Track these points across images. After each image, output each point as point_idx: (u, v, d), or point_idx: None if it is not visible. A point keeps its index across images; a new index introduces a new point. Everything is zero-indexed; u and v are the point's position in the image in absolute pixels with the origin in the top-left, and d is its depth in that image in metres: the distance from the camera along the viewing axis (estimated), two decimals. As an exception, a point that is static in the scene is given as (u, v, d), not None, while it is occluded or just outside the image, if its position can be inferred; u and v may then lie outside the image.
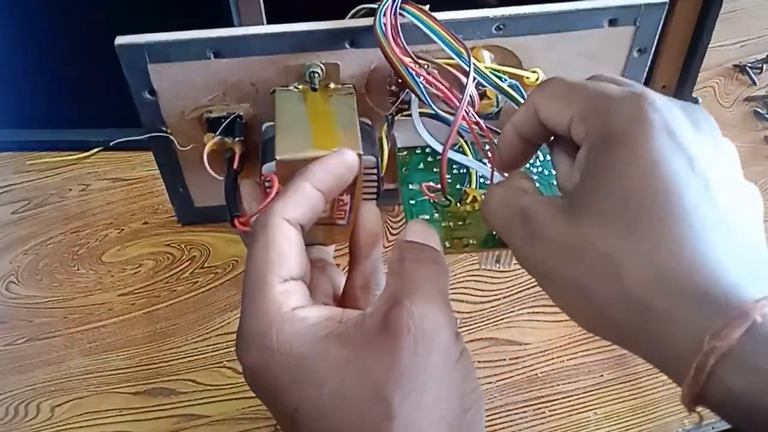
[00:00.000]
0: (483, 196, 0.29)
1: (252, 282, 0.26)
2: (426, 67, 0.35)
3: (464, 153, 0.35)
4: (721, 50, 0.60)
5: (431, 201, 0.34)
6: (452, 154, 0.34)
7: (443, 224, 0.33)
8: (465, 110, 0.32)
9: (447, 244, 0.32)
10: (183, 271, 0.46)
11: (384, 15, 0.33)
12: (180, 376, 0.40)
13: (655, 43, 0.40)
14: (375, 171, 0.34)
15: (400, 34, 0.34)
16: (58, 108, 0.55)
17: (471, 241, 0.32)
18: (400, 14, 0.34)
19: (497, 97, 0.37)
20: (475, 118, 0.33)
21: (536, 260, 0.25)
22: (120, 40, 0.35)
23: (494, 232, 0.32)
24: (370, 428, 0.23)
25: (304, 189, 0.28)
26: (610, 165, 0.23)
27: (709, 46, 0.47)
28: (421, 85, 0.33)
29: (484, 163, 0.34)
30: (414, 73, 0.33)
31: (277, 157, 0.32)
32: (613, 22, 0.39)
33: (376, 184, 0.35)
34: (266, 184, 0.33)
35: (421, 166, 0.36)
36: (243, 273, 0.42)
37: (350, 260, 0.31)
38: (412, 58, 0.33)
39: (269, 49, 0.36)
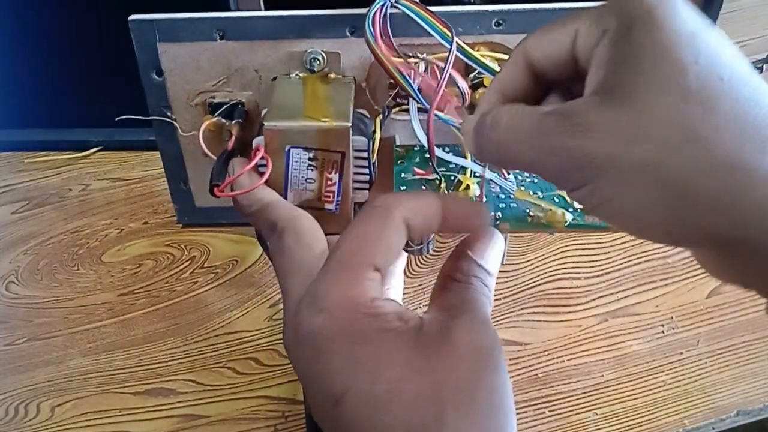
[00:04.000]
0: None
1: (349, 254, 0.26)
2: (418, 64, 0.35)
3: (464, 156, 0.35)
4: (721, 50, 0.60)
5: (422, 183, 0.34)
6: (450, 157, 0.34)
7: None
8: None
9: None
10: (183, 271, 0.46)
11: (373, 23, 0.33)
12: (180, 376, 0.40)
13: None
14: (365, 154, 0.34)
15: (391, 36, 0.34)
16: (58, 108, 0.55)
17: None
18: (394, 6, 0.34)
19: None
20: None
21: (587, 152, 0.21)
22: (133, 16, 0.37)
23: (493, 216, 0.33)
24: (419, 429, 0.24)
25: (432, 205, 0.27)
26: (646, 43, 0.21)
27: (710, 46, 0.47)
28: (414, 86, 0.33)
29: (479, 164, 0.34)
30: (406, 74, 0.33)
31: (265, 124, 0.32)
32: None
33: (367, 171, 0.35)
34: (260, 169, 0.33)
35: (417, 160, 0.36)
36: (243, 273, 0.42)
37: None
38: (403, 58, 0.34)
39: (273, 33, 0.37)
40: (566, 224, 0.33)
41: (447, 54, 0.33)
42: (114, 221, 0.49)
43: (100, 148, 0.55)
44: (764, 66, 0.59)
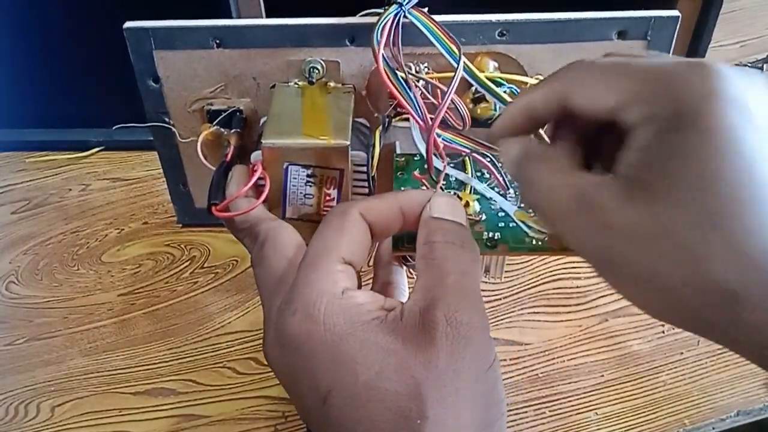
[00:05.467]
0: (523, 179, 0.27)
1: (315, 254, 0.27)
2: (418, 84, 0.35)
3: (465, 168, 0.35)
4: (721, 50, 0.60)
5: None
6: (450, 170, 0.34)
7: None
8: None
9: None
10: (183, 271, 0.46)
11: (382, 33, 0.33)
12: (180, 376, 0.40)
13: None
14: (365, 168, 0.34)
15: (400, 46, 0.34)
16: (58, 108, 0.55)
17: None
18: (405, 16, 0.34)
19: (495, 103, 0.37)
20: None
21: (600, 248, 0.23)
22: (128, 24, 0.37)
23: (485, 238, 0.32)
24: (402, 425, 0.24)
25: (388, 200, 0.29)
26: (681, 146, 0.21)
27: (709, 46, 0.47)
28: (416, 102, 0.33)
29: (483, 180, 0.34)
30: (410, 92, 0.33)
31: (263, 142, 0.32)
32: (622, 35, 0.37)
33: (366, 183, 0.35)
34: (259, 182, 0.33)
35: (418, 172, 0.36)
36: (243, 273, 0.42)
37: (374, 274, 0.33)
38: (404, 73, 0.33)
39: (271, 42, 0.36)
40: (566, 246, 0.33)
41: (452, 75, 0.33)
42: (114, 221, 0.49)
43: (100, 148, 0.55)
44: (764, 66, 0.59)
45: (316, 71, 0.37)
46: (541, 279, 0.43)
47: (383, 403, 0.24)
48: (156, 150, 0.42)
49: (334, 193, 0.33)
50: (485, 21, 0.37)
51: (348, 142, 0.33)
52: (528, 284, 0.43)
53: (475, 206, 0.34)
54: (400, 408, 0.24)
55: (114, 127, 0.39)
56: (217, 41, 0.37)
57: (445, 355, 0.24)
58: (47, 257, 0.47)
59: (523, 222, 0.33)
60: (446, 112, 0.34)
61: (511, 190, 0.35)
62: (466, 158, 0.35)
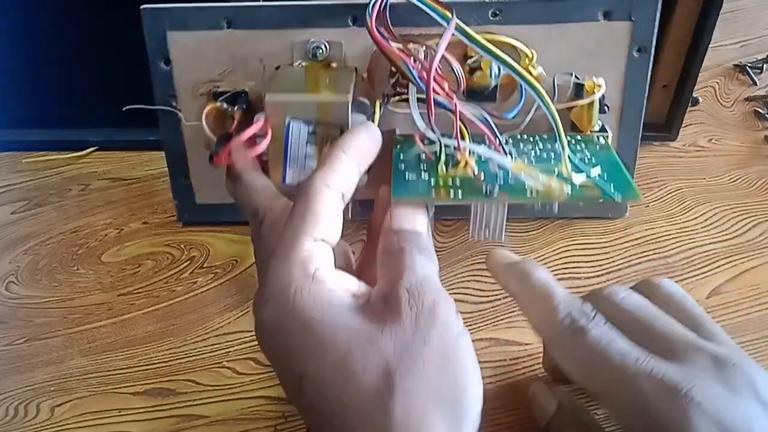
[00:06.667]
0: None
1: (284, 241, 0.27)
2: (417, 50, 0.36)
3: (462, 136, 0.35)
4: (721, 50, 0.60)
5: (421, 159, 0.35)
6: (446, 140, 0.35)
7: (432, 182, 0.34)
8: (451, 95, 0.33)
9: (432, 193, 0.33)
10: (183, 271, 0.46)
11: (373, 7, 0.34)
12: (180, 376, 0.40)
13: (654, 43, 0.40)
14: None
15: (389, 21, 0.35)
16: (57, 108, 0.55)
17: (459, 192, 0.33)
18: None
19: (491, 69, 0.37)
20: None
21: None
22: (145, 6, 0.40)
23: (484, 190, 0.33)
24: (370, 401, 0.24)
25: (339, 157, 0.29)
26: None
27: (710, 46, 0.47)
28: (412, 69, 0.34)
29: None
30: (405, 59, 0.34)
31: (267, 96, 0.33)
32: (607, 15, 0.40)
33: None
34: (258, 141, 0.34)
35: (416, 150, 0.36)
36: (243, 273, 0.42)
37: (367, 238, 0.33)
38: (402, 44, 0.34)
39: (277, 22, 0.39)
40: (566, 196, 0.33)
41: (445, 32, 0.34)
42: (113, 221, 0.49)
43: (99, 147, 0.55)
44: (765, 66, 0.59)
45: (320, 51, 0.38)
46: (541, 279, 0.43)
47: (352, 383, 0.24)
48: (161, 137, 0.43)
49: None
50: (479, 1, 0.38)
51: (349, 97, 0.34)
52: (528, 284, 0.43)
53: (474, 167, 0.34)
54: (369, 386, 0.24)
55: (125, 108, 0.40)
56: (228, 21, 0.39)
57: (410, 324, 0.25)
58: (47, 257, 0.47)
59: (521, 173, 0.34)
60: (443, 77, 0.35)
61: (509, 145, 0.36)
62: (463, 127, 0.35)
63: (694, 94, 0.54)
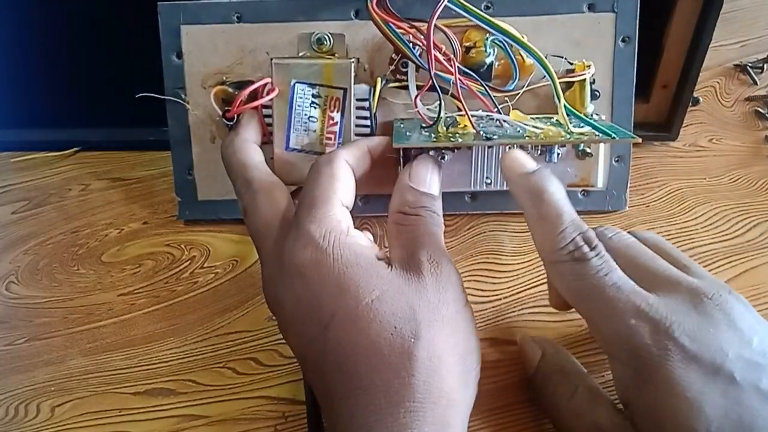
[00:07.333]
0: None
1: (316, 197, 0.31)
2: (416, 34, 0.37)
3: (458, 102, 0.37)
4: (721, 50, 0.60)
5: (422, 126, 0.37)
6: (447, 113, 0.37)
7: (432, 138, 0.36)
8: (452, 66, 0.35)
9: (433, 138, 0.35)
10: (183, 271, 0.46)
11: None
12: (180, 376, 0.40)
13: (637, 33, 0.42)
14: (367, 104, 0.38)
15: (389, 6, 0.36)
16: (57, 107, 0.55)
17: (459, 138, 0.35)
18: None
19: (485, 45, 0.38)
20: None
21: None
22: (161, 2, 0.42)
23: (483, 135, 0.35)
24: (398, 343, 0.27)
25: (360, 145, 0.34)
26: (650, 400, 0.27)
27: (710, 46, 0.47)
28: (411, 47, 0.37)
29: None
30: (405, 37, 0.36)
31: (273, 59, 0.37)
32: (592, 7, 0.42)
33: (368, 122, 0.38)
34: (265, 119, 0.37)
35: (416, 130, 0.38)
36: (243, 273, 0.42)
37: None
38: (402, 24, 0.36)
39: (285, 15, 0.42)
40: (562, 137, 0.35)
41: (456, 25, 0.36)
42: (114, 221, 0.49)
43: (100, 147, 0.55)
44: (765, 66, 0.59)
45: (324, 42, 0.40)
46: (541, 279, 0.43)
47: (381, 324, 0.27)
48: (169, 130, 0.45)
49: (337, 116, 0.37)
50: None
51: (352, 60, 0.37)
52: (528, 284, 0.43)
53: (474, 126, 0.36)
54: (396, 328, 0.27)
55: (137, 95, 0.41)
56: (238, 15, 0.42)
57: (432, 287, 0.29)
58: (47, 257, 0.47)
59: (520, 122, 0.37)
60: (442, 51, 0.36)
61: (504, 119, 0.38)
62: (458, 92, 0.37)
63: (695, 94, 0.54)
